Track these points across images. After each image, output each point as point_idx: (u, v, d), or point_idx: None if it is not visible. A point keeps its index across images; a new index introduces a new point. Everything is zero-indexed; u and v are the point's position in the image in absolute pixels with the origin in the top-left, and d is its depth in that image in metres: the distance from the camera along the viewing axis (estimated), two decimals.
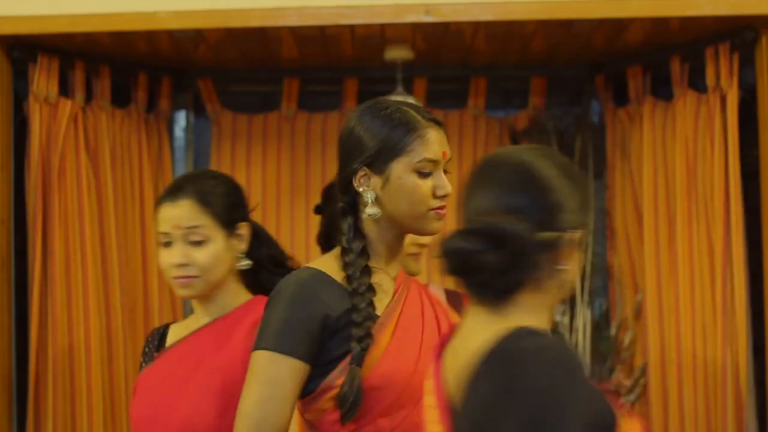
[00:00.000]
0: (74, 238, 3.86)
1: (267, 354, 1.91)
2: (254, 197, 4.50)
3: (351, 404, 1.90)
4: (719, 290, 3.75)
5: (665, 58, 4.01)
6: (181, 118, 4.58)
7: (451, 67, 4.47)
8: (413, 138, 2.00)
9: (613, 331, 4.25)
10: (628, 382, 4.11)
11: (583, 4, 3.61)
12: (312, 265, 2.05)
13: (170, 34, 3.80)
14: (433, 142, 2.01)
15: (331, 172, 4.48)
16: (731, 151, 3.73)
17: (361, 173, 2.02)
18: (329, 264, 2.03)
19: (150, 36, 3.82)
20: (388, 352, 1.95)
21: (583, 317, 4.24)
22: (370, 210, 2.02)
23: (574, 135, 4.38)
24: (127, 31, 3.68)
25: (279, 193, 4.51)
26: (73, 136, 3.91)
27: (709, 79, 3.80)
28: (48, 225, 3.80)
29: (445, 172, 2.04)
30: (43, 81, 3.79)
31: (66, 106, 3.88)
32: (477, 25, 3.74)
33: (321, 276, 1.99)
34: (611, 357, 4.20)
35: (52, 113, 3.84)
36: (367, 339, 1.92)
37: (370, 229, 2.05)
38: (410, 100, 4.08)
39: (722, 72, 3.75)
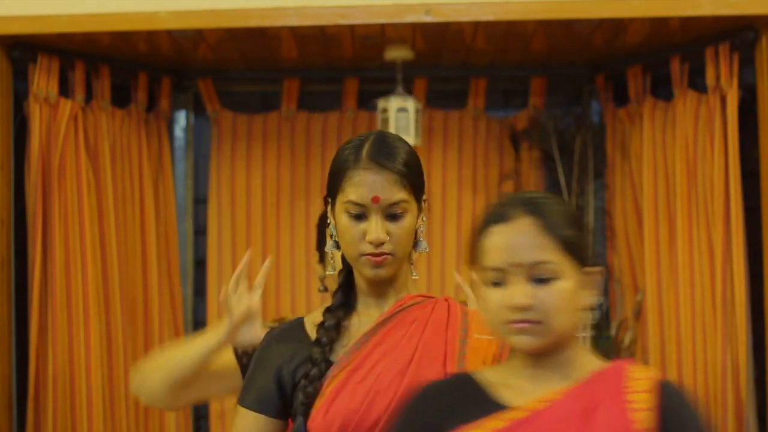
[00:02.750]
0: (74, 238, 3.86)
1: (238, 408, 1.98)
2: (254, 197, 4.50)
3: None
4: (719, 290, 3.75)
5: (665, 58, 4.01)
6: (181, 118, 4.58)
7: (451, 67, 4.47)
8: (344, 178, 1.95)
9: (613, 331, 4.25)
10: None
11: (583, 4, 3.61)
12: (312, 311, 2.05)
13: (170, 34, 3.80)
14: (362, 186, 1.92)
15: None
16: (731, 151, 3.73)
17: (328, 206, 2.01)
18: (321, 309, 2.02)
19: (150, 36, 3.82)
20: (324, 403, 1.89)
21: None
22: (327, 246, 2.01)
23: (574, 135, 4.38)
24: (127, 31, 3.68)
25: (279, 193, 4.51)
26: (73, 136, 3.91)
27: (709, 79, 3.80)
28: (48, 225, 3.80)
29: (395, 217, 1.91)
30: (43, 81, 3.79)
31: (66, 106, 3.88)
32: (477, 25, 3.74)
33: (292, 328, 2.00)
34: (611, 357, 4.20)
35: (52, 113, 3.84)
36: (308, 388, 1.91)
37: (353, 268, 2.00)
38: (410, 100, 4.08)
39: (722, 72, 3.75)
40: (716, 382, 3.75)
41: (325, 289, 2.53)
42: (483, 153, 4.51)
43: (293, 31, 3.79)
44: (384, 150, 1.94)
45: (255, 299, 2.18)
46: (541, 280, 1.76)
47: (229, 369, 2.28)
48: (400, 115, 4.08)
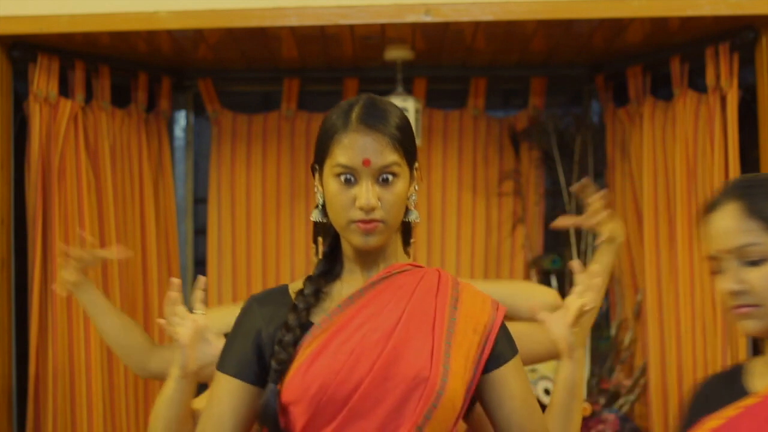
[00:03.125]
0: (74, 238, 3.86)
1: (216, 373, 1.91)
2: (254, 197, 4.50)
3: (267, 422, 1.84)
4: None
5: (665, 58, 4.02)
6: (181, 118, 4.58)
7: (451, 67, 4.47)
8: (333, 141, 1.86)
9: (613, 331, 4.25)
10: (628, 382, 4.11)
11: (583, 4, 3.61)
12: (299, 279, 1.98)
13: (170, 34, 3.80)
14: (352, 147, 1.84)
15: None
16: (731, 151, 3.73)
17: (316, 174, 1.93)
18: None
19: (150, 36, 3.82)
20: (302, 365, 1.81)
21: None
22: (312, 215, 1.93)
23: (574, 135, 4.38)
24: (127, 31, 3.68)
25: (279, 193, 4.51)
26: (73, 136, 3.91)
27: (709, 79, 3.80)
28: (48, 225, 3.80)
29: (387, 182, 1.85)
30: (43, 81, 3.79)
31: (66, 106, 3.88)
32: (477, 25, 3.74)
33: (278, 292, 1.93)
34: (611, 357, 4.20)
35: (52, 113, 3.84)
36: (280, 354, 1.83)
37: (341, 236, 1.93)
38: (410, 100, 4.08)
39: (722, 72, 3.75)
40: None
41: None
42: (483, 153, 4.51)
43: (293, 31, 3.79)
44: (375, 113, 1.87)
45: (198, 317, 2.00)
46: (752, 263, 1.77)
47: None
48: None
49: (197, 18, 3.63)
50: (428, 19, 3.59)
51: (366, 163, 1.84)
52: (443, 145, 4.50)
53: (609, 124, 4.39)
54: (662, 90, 4.10)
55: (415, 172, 1.92)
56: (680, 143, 3.92)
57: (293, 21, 3.63)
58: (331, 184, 1.86)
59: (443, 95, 4.52)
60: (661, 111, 4.07)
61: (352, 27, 3.73)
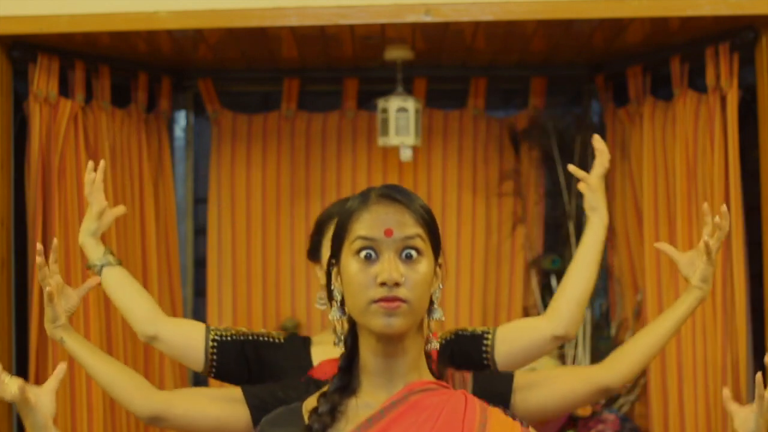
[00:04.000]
0: (74, 238, 3.85)
1: None
2: (254, 197, 4.50)
3: None
4: (719, 290, 3.74)
5: (665, 58, 4.01)
6: (181, 118, 4.58)
7: (451, 67, 4.47)
8: (354, 216, 1.73)
9: (613, 331, 4.25)
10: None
11: (583, 4, 3.61)
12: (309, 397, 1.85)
13: (170, 34, 3.80)
14: (372, 218, 1.71)
15: (331, 172, 4.50)
16: (731, 151, 3.73)
17: (332, 269, 1.78)
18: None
19: (150, 36, 3.82)
20: None
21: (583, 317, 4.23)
22: (331, 313, 1.77)
23: (574, 135, 4.38)
24: (127, 31, 3.68)
25: (279, 193, 4.51)
26: (73, 136, 3.91)
27: (709, 79, 3.80)
28: (48, 225, 3.80)
29: (410, 258, 1.71)
30: (43, 81, 3.79)
31: (66, 106, 3.88)
32: (477, 25, 3.74)
33: (289, 412, 1.82)
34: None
35: (52, 113, 3.84)
36: None
37: (360, 338, 1.76)
38: (410, 100, 4.08)
39: (722, 72, 3.75)
40: (716, 382, 3.75)
41: (324, 305, 2.41)
42: (483, 153, 4.51)
43: (293, 31, 3.79)
44: (397, 190, 1.77)
45: (11, 385, 1.96)
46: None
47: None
48: (400, 115, 4.08)
49: (197, 18, 3.63)
50: (428, 19, 3.59)
51: (388, 233, 1.70)
52: (443, 145, 4.50)
53: (609, 124, 4.39)
54: (662, 90, 4.10)
55: (438, 268, 1.79)
56: (680, 143, 3.92)
57: (293, 21, 3.63)
58: (351, 266, 1.71)
59: (443, 95, 4.52)
60: (661, 111, 4.07)
61: (352, 27, 3.73)
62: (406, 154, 4.08)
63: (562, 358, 4.18)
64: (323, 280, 2.39)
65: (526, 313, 4.39)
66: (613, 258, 4.36)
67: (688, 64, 3.96)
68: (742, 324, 3.68)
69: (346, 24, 3.65)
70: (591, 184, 2.58)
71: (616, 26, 3.78)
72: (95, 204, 2.58)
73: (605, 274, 4.40)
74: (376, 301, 1.68)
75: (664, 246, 2.63)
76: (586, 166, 4.37)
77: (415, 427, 1.70)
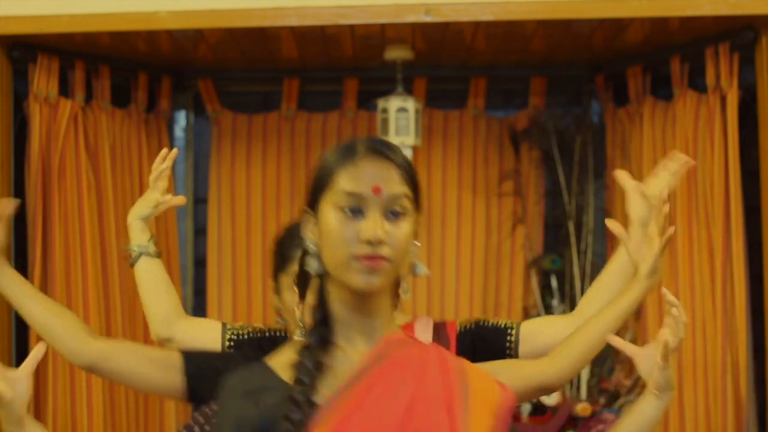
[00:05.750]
0: (74, 238, 3.86)
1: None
2: (254, 197, 4.50)
3: None
4: (719, 290, 3.75)
5: (665, 58, 4.02)
6: (181, 118, 4.58)
7: (451, 67, 4.47)
8: (339, 168, 1.67)
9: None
10: (628, 382, 4.11)
11: (583, 4, 3.61)
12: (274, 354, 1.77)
13: (170, 34, 3.80)
14: (360, 173, 1.65)
15: None
16: (731, 151, 3.73)
17: (305, 219, 1.73)
18: (286, 351, 1.75)
19: (150, 36, 3.82)
20: None
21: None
22: (308, 264, 1.71)
23: (574, 135, 4.38)
24: (127, 31, 3.68)
25: (279, 193, 4.51)
26: (73, 136, 3.91)
27: (709, 79, 3.80)
28: (48, 225, 3.80)
29: (396, 216, 1.66)
30: (43, 81, 3.79)
31: (66, 106, 3.88)
32: (477, 25, 3.74)
33: (258, 370, 1.72)
34: (611, 357, 4.20)
35: (52, 113, 3.84)
36: None
37: (331, 292, 1.71)
38: (410, 100, 4.08)
39: (722, 72, 3.75)
40: (716, 382, 3.75)
41: (283, 320, 2.38)
42: (483, 153, 4.51)
43: (293, 31, 3.79)
44: (383, 143, 1.72)
45: None
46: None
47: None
48: (400, 115, 4.08)
49: (197, 18, 3.63)
50: (428, 19, 3.59)
51: (376, 191, 1.65)
52: (443, 145, 4.50)
53: (609, 124, 4.39)
54: (662, 90, 4.10)
55: (415, 224, 1.73)
56: (680, 143, 3.92)
57: (293, 21, 3.63)
58: (331, 217, 1.66)
59: (443, 95, 4.52)
60: (661, 111, 4.07)
61: (352, 27, 3.73)
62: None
63: None
64: (276, 303, 2.37)
65: (526, 313, 4.39)
66: None
67: (688, 64, 3.96)
68: (742, 324, 3.68)
69: (346, 24, 3.65)
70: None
71: (616, 26, 3.78)
72: (156, 191, 2.50)
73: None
74: (357, 258, 1.64)
75: (615, 225, 2.36)
76: (586, 166, 4.40)
77: (403, 382, 1.68)
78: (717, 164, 3.75)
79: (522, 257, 4.46)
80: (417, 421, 1.64)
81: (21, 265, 3.81)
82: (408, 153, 4.07)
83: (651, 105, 4.11)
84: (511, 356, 2.38)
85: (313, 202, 1.71)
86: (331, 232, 1.65)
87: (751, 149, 3.73)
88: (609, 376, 4.16)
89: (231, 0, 3.60)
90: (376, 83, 4.34)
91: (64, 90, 3.92)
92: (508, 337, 2.39)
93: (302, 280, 1.75)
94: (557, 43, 4.07)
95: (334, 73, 4.48)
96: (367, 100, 4.43)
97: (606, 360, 4.19)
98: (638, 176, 4.13)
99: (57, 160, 3.83)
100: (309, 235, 1.71)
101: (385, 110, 4.10)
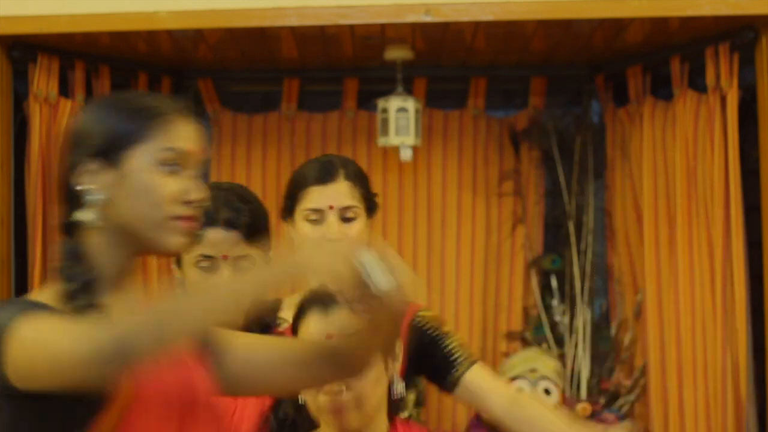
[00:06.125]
0: None
1: None
2: None
3: None
4: (719, 290, 3.75)
5: (665, 58, 4.01)
6: None
7: (451, 67, 4.47)
8: (156, 123, 1.61)
9: (613, 331, 4.25)
10: (628, 382, 4.11)
11: (583, 4, 3.61)
12: (31, 296, 1.71)
13: (170, 34, 3.80)
14: (183, 133, 1.61)
15: None
16: (731, 151, 3.73)
17: (85, 167, 1.68)
18: (47, 296, 1.68)
19: (150, 36, 3.82)
20: None
21: (583, 317, 4.24)
22: (84, 214, 1.69)
23: (574, 135, 4.38)
24: (127, 31, 3.68)
25: (279, 194, 4.49)
26: None
27: (709, 79, 3.80)
28: (48, 225, 3.80)
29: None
30: (43, 81, 3.79)
31: (66, 106, 3.88)
32: (477, 25, 3.74)
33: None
34: (611, 357, 4.20)
35: (52, 113, 3.84)
36: None
37: (94, 247, 1.70)
38: (410, 100, 4.08)
39: (722, 72, 3.75)
40: (716, 382, 3.75)
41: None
42: (483, 153, 4.51)
43: (293, 31, 3.79)
44: (184, 102, 1.72)
45: None
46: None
47: None
48: (400, 115, 4.08)
49: (197, 18, 3.63)
50: (428, 19, 3.59)
51: (196, 153, 1.66)
52: (443, 145, 4.49)
53: (609, 124, 4.39)
54: (662, 90, 4.10)
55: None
56: (680, 143, 3.92)
57: (293, 21, 3.63)
58: (149, 173, 1.62)
59: (443, 95, 4.52)
60: (661, 111, 4.07)
61: (352, 27, 3.73)
62: (406, 154, 4.08)
63: (562, 358, 4.18)
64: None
65: (527, 313, 4.40)
66: (613, 258, 4.36)
67: (688, 64, 3.96)
68: (742, 324, 3.68)
69: (346, 24, 3.65)
70: None
71: (616, 26, 3.78)
72: None
73: (605, 274, 4.40)
74: (176, 217, 1.61)
75: None
76: (586, 166, 4.40)
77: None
78: (717, 164, 3.75)
79: (522, 257, 4.46)
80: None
81: (21, 265, 3.81)
82: (408, 153, 4.07)
83: (651, 105, 4.11)
84: (447, 385, 2.34)
85: (110, 154, 1.67)
86: (148, 188, 1.61)
87: (751, 149, 3.73)
88: (609, 376, 4.16)
89: (231, 0, 3.61)
90: (376, 83, 4.33)
91: (64, 90, 3.92)
92: (453, 371, 2.33)
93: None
94: (557, 43, 4.07)
95: (334, 73, 4.48)
96: (367, 100, 4.43)
97: (606, 360, 4.20)
98: (638, 176, 4.16)
99: (57, 160, 3.83)
100: (94, 187, 1.68)
101: (385, 110, 4.10)
